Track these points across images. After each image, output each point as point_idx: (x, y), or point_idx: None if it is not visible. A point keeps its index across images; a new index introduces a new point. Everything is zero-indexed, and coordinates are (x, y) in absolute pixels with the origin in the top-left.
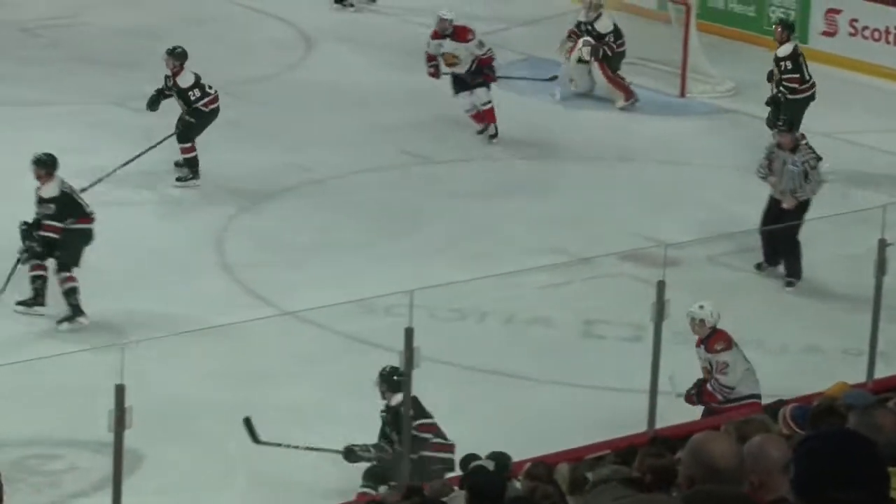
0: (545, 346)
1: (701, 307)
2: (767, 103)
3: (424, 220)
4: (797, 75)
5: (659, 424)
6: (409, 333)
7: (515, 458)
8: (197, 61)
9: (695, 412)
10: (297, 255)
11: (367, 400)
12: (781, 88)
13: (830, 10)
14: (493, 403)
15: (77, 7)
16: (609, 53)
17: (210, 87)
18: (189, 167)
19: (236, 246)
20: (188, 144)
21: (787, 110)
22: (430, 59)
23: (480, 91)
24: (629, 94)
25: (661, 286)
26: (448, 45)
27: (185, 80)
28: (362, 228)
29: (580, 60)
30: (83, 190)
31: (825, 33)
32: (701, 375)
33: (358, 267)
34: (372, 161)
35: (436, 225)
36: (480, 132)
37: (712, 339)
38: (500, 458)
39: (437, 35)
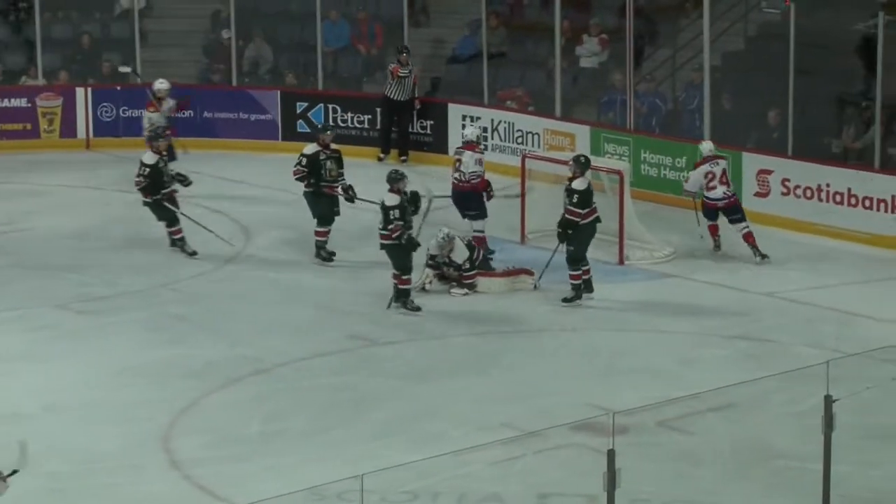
0: None
1: None
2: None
3: (374, 403)
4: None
5: None
6: None
7: None
8: (139, 256)
9: None
10: (247, 446)
11: None
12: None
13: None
14: None
15: (16, 214)
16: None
17: None
18: None
19: (185, 443)
20: None
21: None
22: None
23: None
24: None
25: (611, 455)
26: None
27: None
28: (312, 415)
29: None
30: None
31: (758, 194)
32: None
33: (310, 454)
34: (318, 347)
35: (385, 407)
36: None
37: None
38: None
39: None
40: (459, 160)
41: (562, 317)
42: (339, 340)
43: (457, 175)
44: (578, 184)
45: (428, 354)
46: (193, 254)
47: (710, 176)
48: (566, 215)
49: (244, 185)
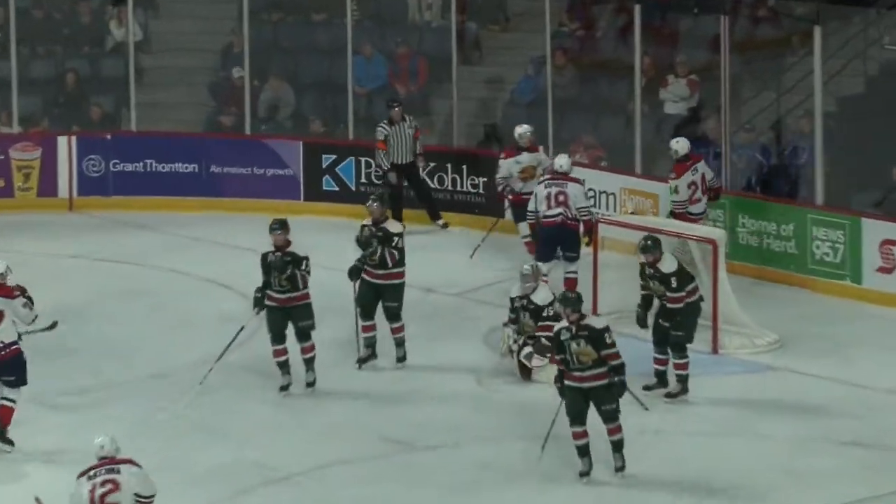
0: None
1: None
2: None
3: None
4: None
5: None
6: None
7: None
8: (130, 340)
9: None
10: None
11: None
12: None
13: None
14: None
15: None
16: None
17: None
18: None
19: None
20: None
21: None
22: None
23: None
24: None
25: None
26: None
27: None
28: None
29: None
30: None
31: (881, 269)
32: None
33: None
34: (344, 451)
35: None
36: None
37: None
38: None
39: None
40: (563, 193)
41: (642, 416)
42: (372, 444)
43: (560, 210)
44: (667, 266)
45: (479, 461)
46: (366, 359)
47: (693, 187)
48: (669, 304)
49: (258, 255)
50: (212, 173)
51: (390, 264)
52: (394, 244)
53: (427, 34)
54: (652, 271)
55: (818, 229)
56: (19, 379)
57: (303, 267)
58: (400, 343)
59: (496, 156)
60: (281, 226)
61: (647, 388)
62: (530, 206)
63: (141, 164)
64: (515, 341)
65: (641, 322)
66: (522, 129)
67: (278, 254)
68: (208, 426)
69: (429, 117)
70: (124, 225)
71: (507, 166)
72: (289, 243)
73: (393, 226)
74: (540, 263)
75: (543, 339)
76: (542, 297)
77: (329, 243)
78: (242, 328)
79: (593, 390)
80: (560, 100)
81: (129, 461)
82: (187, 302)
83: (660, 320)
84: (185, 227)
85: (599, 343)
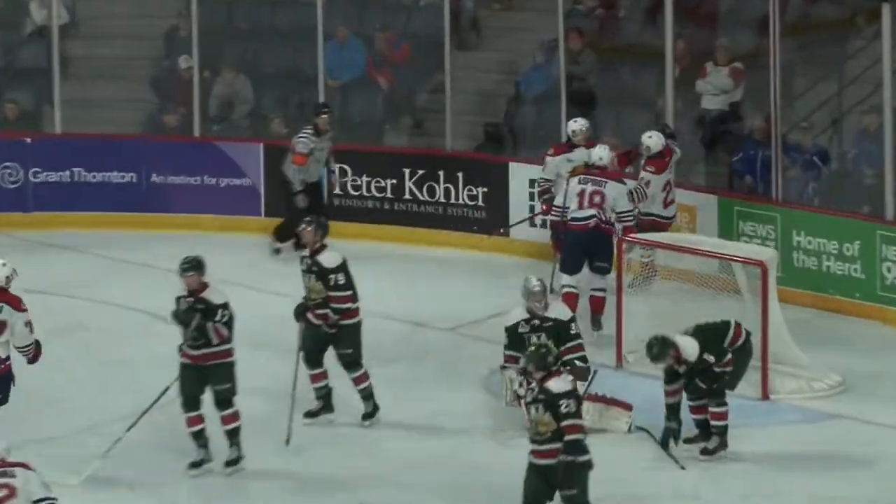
0: None
1: None
2: None
3: None
4: None
5: None
6: None
7: None
8: (55, 386)
9: None
10: None
11: None
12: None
13: None
14: None
15: None
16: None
17: None
18: None
19: None
20: None
21: None
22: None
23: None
24: None
25: None
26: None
27: None
28: None
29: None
30: None
31: None
32: None
33: None
34: None
35: None
36: None
37: None
38: None
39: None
40: (600, 193)
41: (677, 476)
42: None
43: (594, 212)
44: (690, 352)
45: None
46: (316, 413)
47: (667, 188)
48: (719, 369)
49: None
50: (153, 184)
51: (339, 309)
52: (331, 284)
53: (414, 13)
54: (683, 367)
55: (889, 248)
56: (5, 398)
57: (217, 318)
58: (366, 396)
59: (501, 162)
60: (193, 266)
61: (688, 440)
62: (557, 200)
63: (67, 173)
64: (521, 384)
65: (672, 436)
66: (577, 125)
67: (190, 299)
68: (154, 492)
69: (415, 115)
70: (47, 247)
71: (556, 164)
72: (204, 287)
73: (328, 259)
74: (565, 275)
75: (577, 362)
76: (560, 311)
77: (292, 267)
78: (168, 388)
79: (551, 470)
80: (576, 92)
81: (23, 465)
82: (122, 340)
83: (697, 380)
84: (121, 249)
85: (556, 411)
